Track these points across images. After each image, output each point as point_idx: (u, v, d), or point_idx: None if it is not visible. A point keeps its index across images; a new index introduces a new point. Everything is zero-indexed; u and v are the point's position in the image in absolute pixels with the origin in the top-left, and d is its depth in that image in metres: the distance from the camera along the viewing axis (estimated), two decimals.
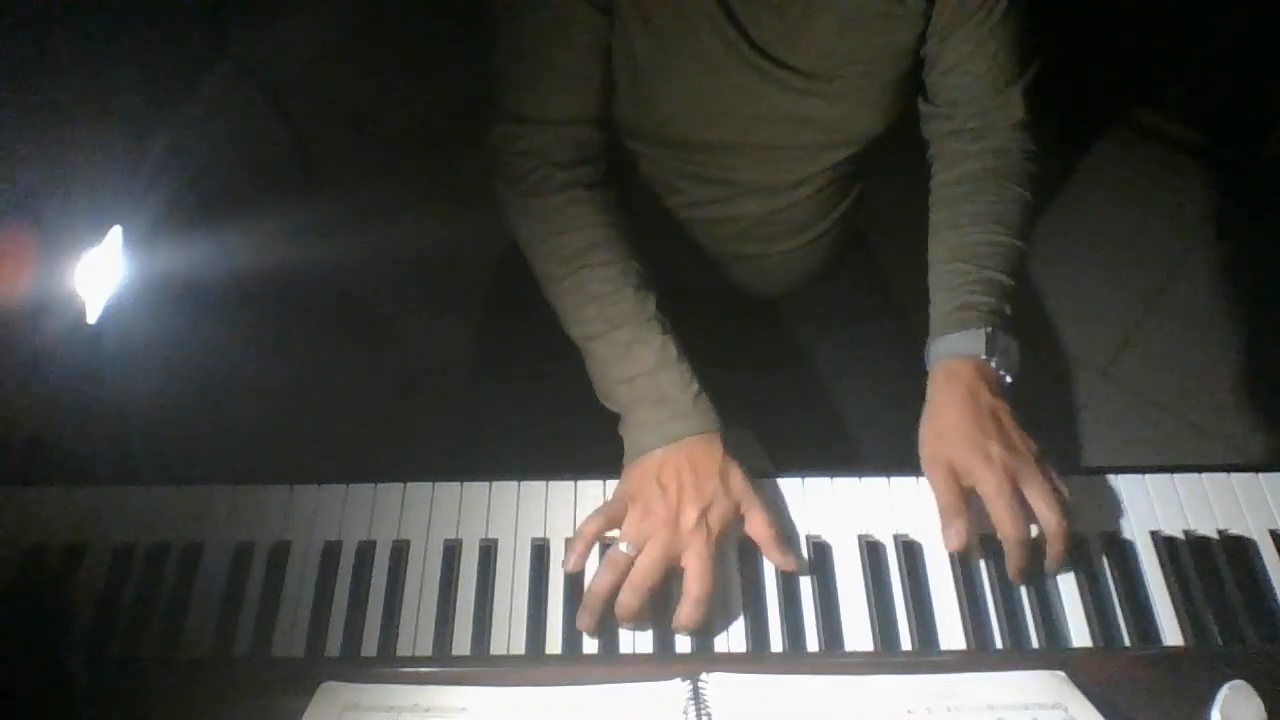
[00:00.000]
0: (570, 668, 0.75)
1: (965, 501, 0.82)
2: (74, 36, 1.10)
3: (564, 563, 0.82)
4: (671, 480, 0.82)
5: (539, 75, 0.92)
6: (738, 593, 0.81)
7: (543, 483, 0.87)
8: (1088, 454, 1.77)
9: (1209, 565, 0.83)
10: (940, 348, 0.90)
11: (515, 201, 0.95)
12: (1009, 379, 0.89)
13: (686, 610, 0.77)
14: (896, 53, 0.95)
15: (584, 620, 0.78)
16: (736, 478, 0.83)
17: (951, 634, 0.79)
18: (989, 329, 0.88)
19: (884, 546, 0.84)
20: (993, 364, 0.88)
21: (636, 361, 0.87)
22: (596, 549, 0.83)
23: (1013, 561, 0.81)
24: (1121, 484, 0.87)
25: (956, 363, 0.88)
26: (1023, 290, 0.94)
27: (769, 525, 0.82)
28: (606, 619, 0.79)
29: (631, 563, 0.79)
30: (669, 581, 0.81)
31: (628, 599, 0.78)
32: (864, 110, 0.98)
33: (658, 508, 0.81)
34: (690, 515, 0.80)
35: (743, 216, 1.06)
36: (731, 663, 0.76)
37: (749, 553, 0.83)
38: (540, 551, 0.83)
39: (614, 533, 0.83)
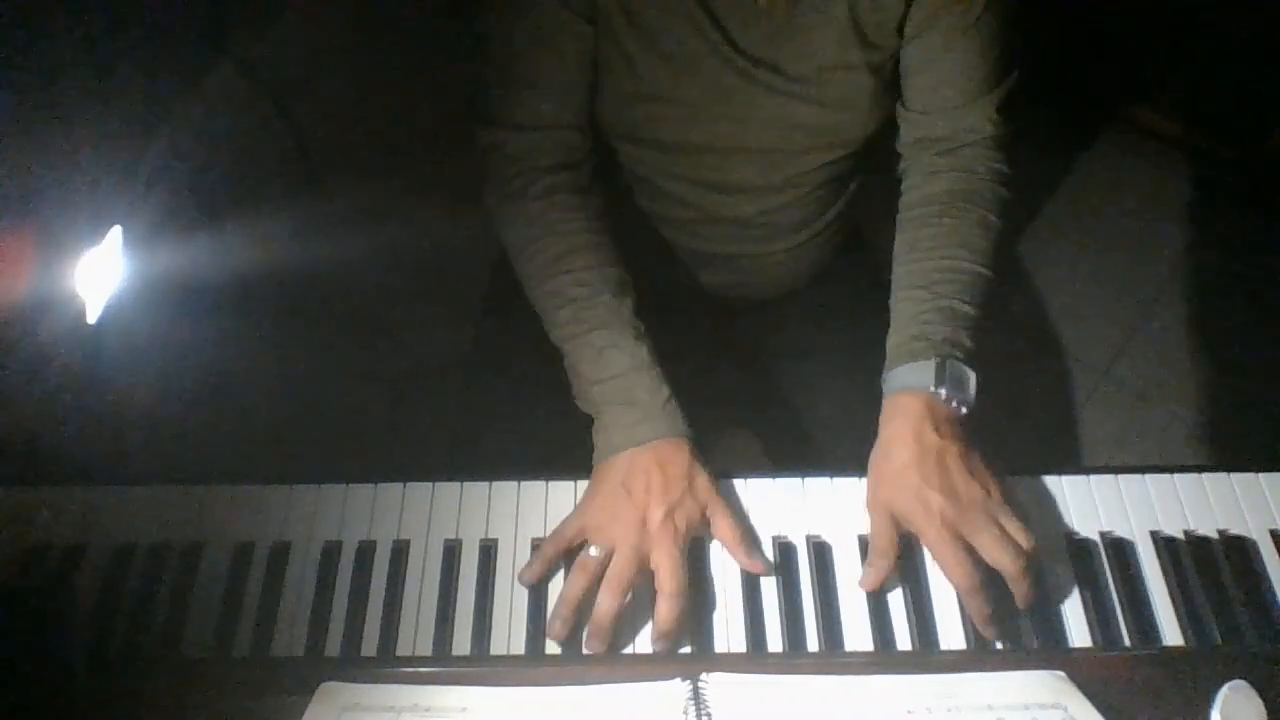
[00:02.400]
0: (570, 668, 0.75)
1: (896, 547, 0.81)
2: (74, 36, 1.10)
3: (521, 576, 0.81)
4: (638, 482, 0.82)
5: (525, 81, 0.94)
6: (738, 593, 0.81)
7: (543, 483, 0.87)
8: (1088, 454, 1.77)
9: (1209, 565, 0.83)
10: (891, 381, 0.88)
11: (500, 206, 0.97)
12: (964, 411, 0.85)
13: (663, 607, 0.77)
14: (883, 56, 0.94)
15: (555, 629, 0.78)
16: (702, 482, 0.83)
17: (951, 634, 0.79)
18: (938, 359, 0.85)
19: None
20: (943, 395, 0.84)
21: (609, 364, 0.88)
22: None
23: (971, 610, 0.78)
24: (1121, 484, 0.87)
25: (904, 398, 0.85)
26: (1022, 291, 0.91)
27: (734, 528, 0.82)
28: (578, 630, 0.78)
29: (601, 566, 0.79)
30: (652, 589, 0.80)
31: (606, 601, 0.78)
32: (852, 113, 0.97)
33: (625, 510, 0.81)
34: (656, 515, 0.80)
35: (736, 217, 1.06)
36: (731, 663, 0.76)
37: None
38: None
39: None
